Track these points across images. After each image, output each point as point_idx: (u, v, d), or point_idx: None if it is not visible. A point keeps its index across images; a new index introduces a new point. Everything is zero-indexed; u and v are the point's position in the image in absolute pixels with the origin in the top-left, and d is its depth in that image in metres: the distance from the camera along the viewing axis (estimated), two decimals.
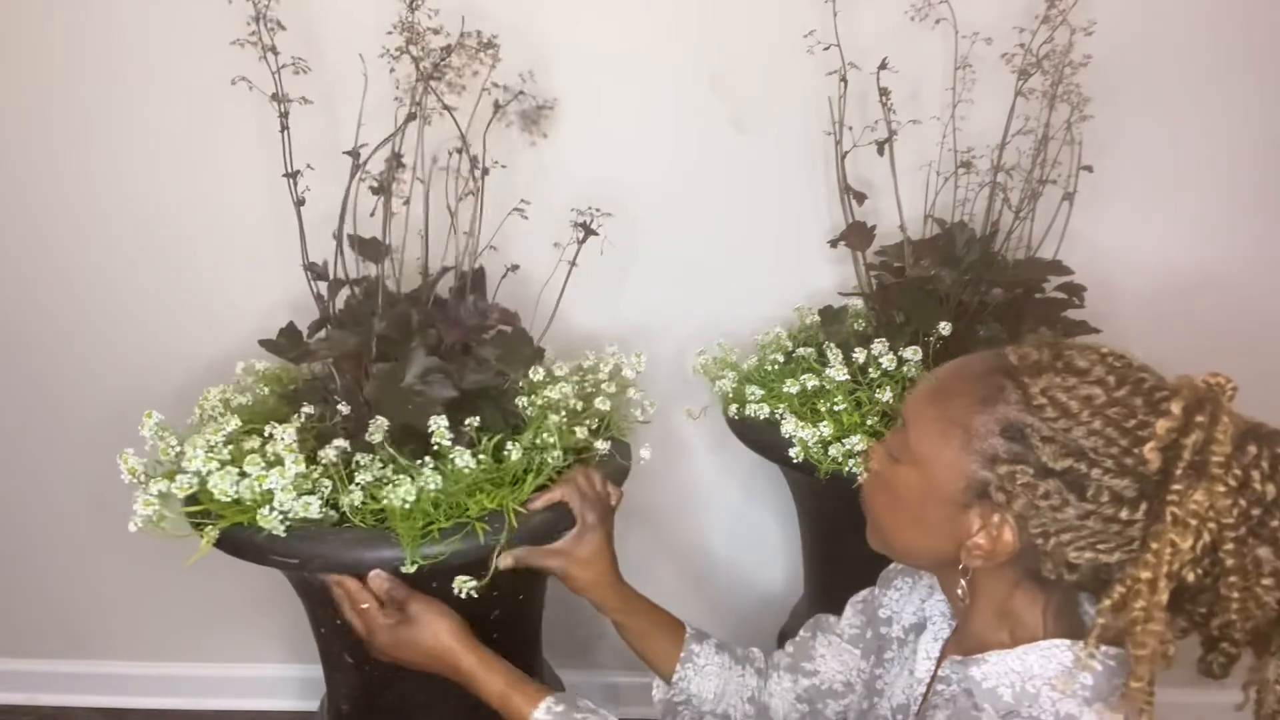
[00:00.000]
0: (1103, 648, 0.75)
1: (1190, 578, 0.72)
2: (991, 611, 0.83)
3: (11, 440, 1.74)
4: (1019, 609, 0.81)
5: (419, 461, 1.12)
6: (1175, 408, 0.72)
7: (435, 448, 1.11)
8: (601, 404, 1.25)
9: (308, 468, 1.08)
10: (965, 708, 0.79)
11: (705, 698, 1.10)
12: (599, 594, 1.13)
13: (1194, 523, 0.70)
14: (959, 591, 0.83)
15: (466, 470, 1.10)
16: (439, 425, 1.11)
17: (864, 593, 1.07)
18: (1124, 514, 0.73)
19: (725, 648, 1.12)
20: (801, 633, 1.11)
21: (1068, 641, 0.78)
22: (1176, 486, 0.71)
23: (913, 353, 1.27)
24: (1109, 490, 0.73)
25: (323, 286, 1.23)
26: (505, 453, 1.14)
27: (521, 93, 1.24)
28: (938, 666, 0.91)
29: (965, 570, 0.81)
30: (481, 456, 1.12)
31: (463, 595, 1.06)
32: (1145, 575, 0.71)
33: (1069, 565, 0.75)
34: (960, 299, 1.32)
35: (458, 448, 1.11)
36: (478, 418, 1.16)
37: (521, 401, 1.22)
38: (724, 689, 1.10)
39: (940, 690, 0.85)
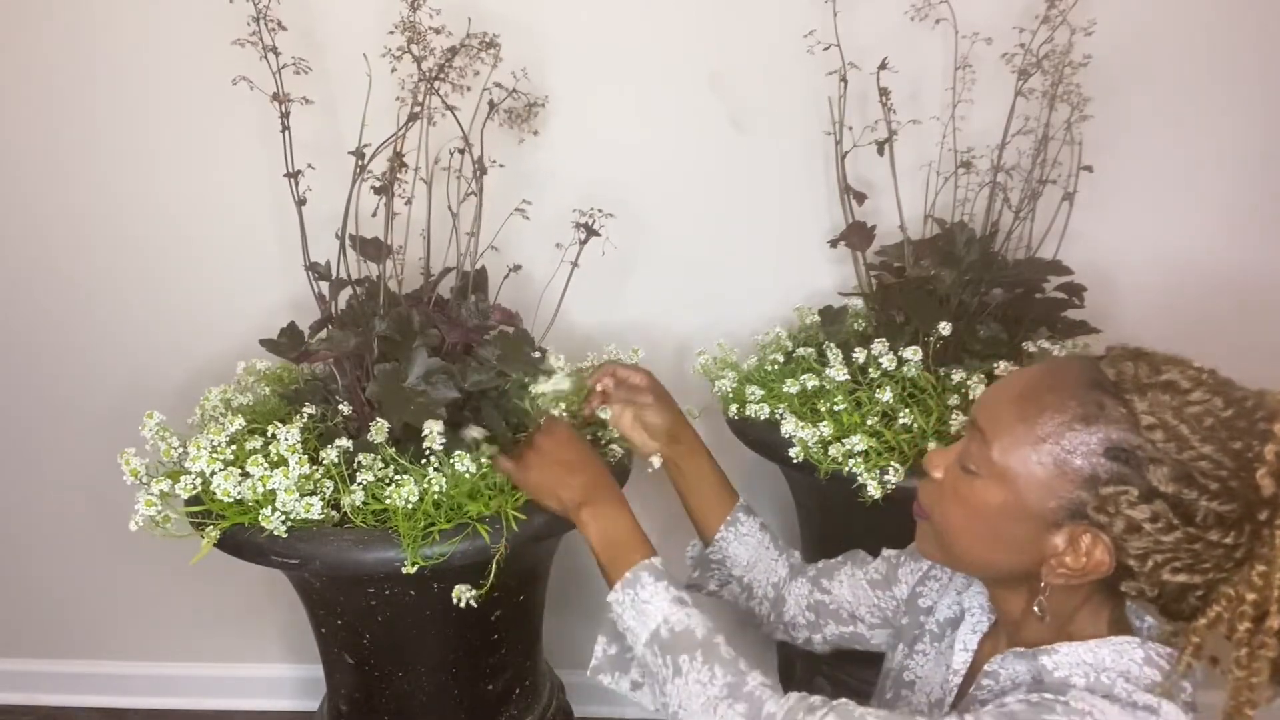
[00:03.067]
0: (1161, 647, 0.76)
1: None
2: (1054, 622, 0.81)
3: (12, 439, 1.74)
4: (1083, 619, 0.80)
5: (422, 462, 1.12)
6: (1279, 429, 0.71)
7: (431, 451, 1.11)
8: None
9: (310, 468, 1.08)
10: (1036, 697, 0.76)
11: (738, 562, 1.18)
12: (677, 430, 1.17)
13: None
14: (1036, 610, 0.80)
15: (467, 476, 1.10)
16: (433, 430, 1.10)
17: (896, 552, 1.07)
18: (1229, 538, 0.72)
19: (769, 530, 1.18)
20: (837, 558, 1.14)
21: (1137, 640, 0.77)
22: None
23: (913, 353, 1.27)
24: (1215, 514, 0.71)
25: (324, 286, 1.23)
26: None
27: (515, 91, 1.24)
28: (978, 659, 0.90)
29: (1046, 587, 0.78)
30: (483, 460, 1.12)
31: (463, 604, 1.06)
32: (1250, 597, 0.71)
33: (1158, 585, 0.74)
34: (960, 299, 1.32)
35: (458, 453, 1.11)
36: (481, 428, 1.16)
37: (528, 392, 1.22)
38: (755, 561, 1.17)
39: (987, 685, 0.84)
